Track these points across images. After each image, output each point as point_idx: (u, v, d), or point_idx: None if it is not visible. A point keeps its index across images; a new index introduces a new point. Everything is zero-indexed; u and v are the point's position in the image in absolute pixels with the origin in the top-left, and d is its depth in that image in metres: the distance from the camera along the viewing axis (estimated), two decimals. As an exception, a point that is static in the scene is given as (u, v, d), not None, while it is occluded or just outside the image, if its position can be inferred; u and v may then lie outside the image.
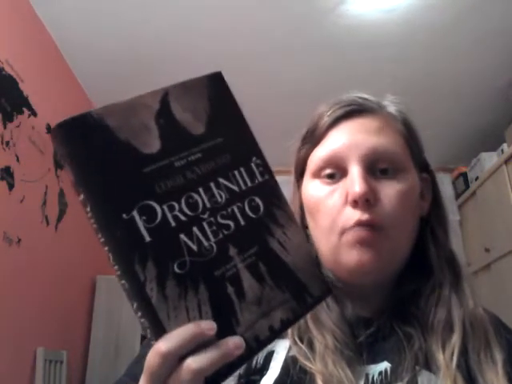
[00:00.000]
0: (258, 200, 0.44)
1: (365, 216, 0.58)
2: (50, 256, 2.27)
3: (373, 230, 0.58)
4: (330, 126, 0.64)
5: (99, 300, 2.75)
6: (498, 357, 0.55)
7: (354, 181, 0.58)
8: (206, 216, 0.41)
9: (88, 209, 0.38)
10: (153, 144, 0.40)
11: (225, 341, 0.37)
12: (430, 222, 0.65)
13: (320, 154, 0.64)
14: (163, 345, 0.36)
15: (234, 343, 0.37)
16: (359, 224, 0.58)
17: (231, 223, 0.42)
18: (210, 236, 0.40)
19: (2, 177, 1.88)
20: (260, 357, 0.58)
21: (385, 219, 0.58)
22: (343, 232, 0.59)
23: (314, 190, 0.64)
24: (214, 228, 0.41)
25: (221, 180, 0.43)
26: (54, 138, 0.38)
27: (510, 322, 0.64)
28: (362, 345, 0.58)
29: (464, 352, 0.56)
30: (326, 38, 2.38)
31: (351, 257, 0.58)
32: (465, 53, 2.48)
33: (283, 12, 2.23)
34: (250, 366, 0.57)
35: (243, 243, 0.42)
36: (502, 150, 2.72)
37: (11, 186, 1.94)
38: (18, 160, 1.99)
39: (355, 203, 0.58)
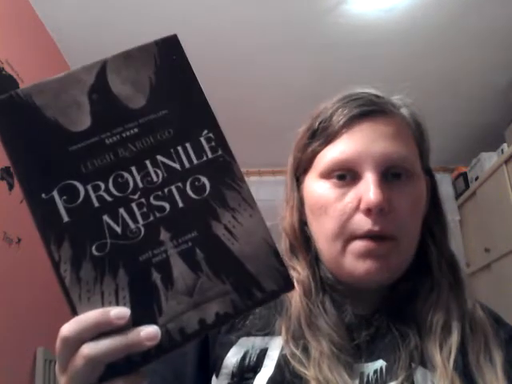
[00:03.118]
0: (203, 179, 0.40)
1: (376, 227, 0.56)
2: (50, 256, 2.27)
3: (383, 241, 0.57)
4: (344, 126, 0.61)
5: (99, 300, 2.74)
6: (498, 359, 0.55)
7: (369, 188, 0.57)
8: (136, 197, 0.39)
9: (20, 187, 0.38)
10: (83, 121, 0.39)
11: (136, 329, 0.36)
12: (428, 222, 0.65)
13: (333, 155, 0.61)
14: (65, 328, 0.36)
15: (146, 333, 0.36)
16: (370, 234, 0.57)
17: (166, 205, 0.39)
18: (139, 218, 0.38)
19: (2, 177, 1.88)
20: (253, 354, 0.57)
21: (397, 229, 0.58)
22: (351, 239, 0.58)
23: (322, 191, 0.61)
24: (145, 210, 0.38)
25: (159, 157, 0.40)
26: None
27: (510, 322, 0.64)
28: (359, 346, 0.58)
29: (464, 354, 0.56)
30: (327, 37, 2.37)
31: (358, 267, 0.57)
32: (465, 52, 2.48)
33: (283, 11, 2.23)
34: (243, 363, 0.57)
35: (179, 227, 0.39)
36: (502, 150, 2.71)
37: (11, 186, 1.94)
38: (17, 160, 1.99)
39: (368, 211, 0.56)
